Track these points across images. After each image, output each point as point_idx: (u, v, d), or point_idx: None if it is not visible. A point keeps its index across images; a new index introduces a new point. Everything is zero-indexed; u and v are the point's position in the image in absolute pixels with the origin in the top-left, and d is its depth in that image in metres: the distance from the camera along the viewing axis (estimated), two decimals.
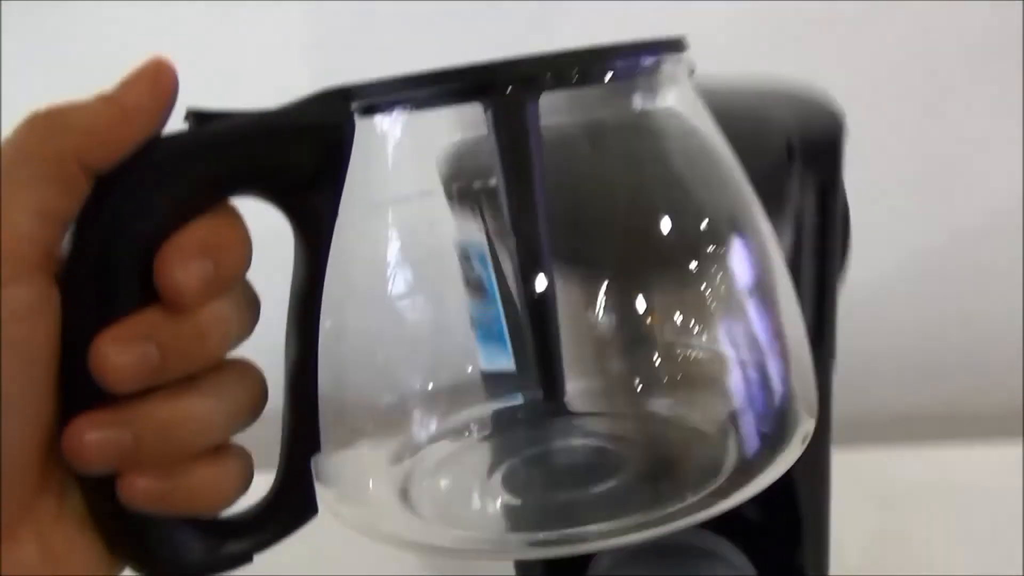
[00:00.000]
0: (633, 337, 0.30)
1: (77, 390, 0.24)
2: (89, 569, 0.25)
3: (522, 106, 0.26)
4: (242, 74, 0.55)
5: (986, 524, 0.52)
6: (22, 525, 0.24)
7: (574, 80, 0.26)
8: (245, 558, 0.27)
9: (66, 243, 0.24)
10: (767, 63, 0.52)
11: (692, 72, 0.30)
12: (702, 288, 0.29)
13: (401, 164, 0.28)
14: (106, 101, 0.24)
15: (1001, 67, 0.59)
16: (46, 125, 0.24)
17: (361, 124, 0.27)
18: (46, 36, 0.52)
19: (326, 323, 0.28)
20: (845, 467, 0.39)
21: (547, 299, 0.26)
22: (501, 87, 0.25)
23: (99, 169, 0.24)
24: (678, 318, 0.30)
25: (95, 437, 0.23)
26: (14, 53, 0.51)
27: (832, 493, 0.38)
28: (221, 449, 0.26)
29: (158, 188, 0.24)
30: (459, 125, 0.28)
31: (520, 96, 0.26)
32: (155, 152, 0.25)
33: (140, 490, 0.24)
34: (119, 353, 0.23)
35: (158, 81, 0.25)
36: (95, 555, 0.25)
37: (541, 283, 0.26)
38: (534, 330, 0.26)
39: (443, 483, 0.30)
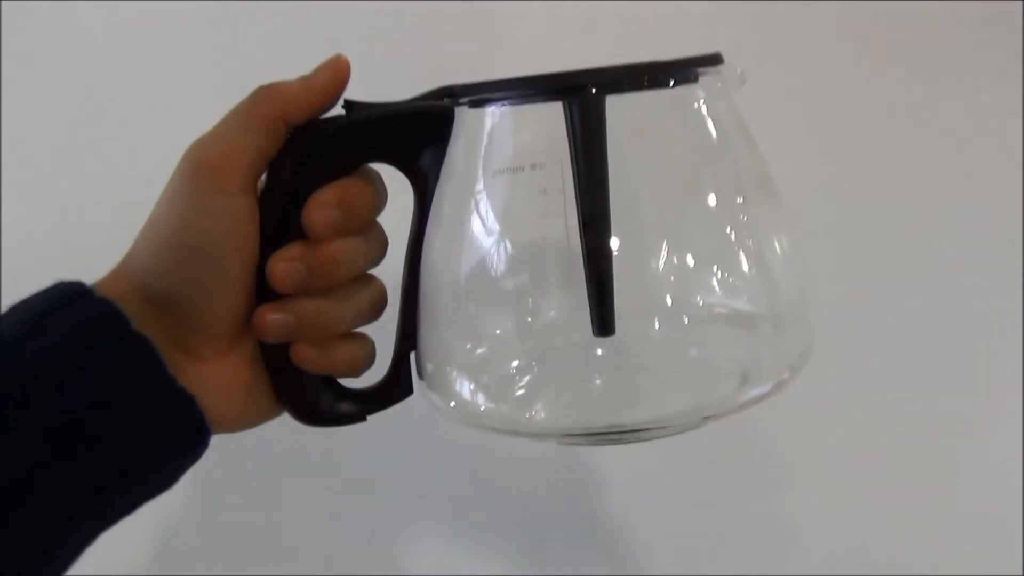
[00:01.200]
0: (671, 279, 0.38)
1: (264, 286, 0.34)
2: (258, 401, 0.36)
3: (599, 104, 0.34)
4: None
5: None
6: (228, 356, 0.35)
7: (643, 85, 0.34)
8: (359, 417, 0.37)
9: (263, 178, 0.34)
10: (766, 63, 0.57)
11: (743, 81, 0.37)
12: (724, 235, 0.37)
13: (489, 145, 0.36)
14: (302, 80, 0.35)
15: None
16: (263, 94, 0.34)
17: (461, 112, 0.36)
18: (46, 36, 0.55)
19: (428, 256, 0.37)
20: None
21: (607, 260, 0.35)
22: (585, 88, 0.33)
23: (294, 125, 0.34)
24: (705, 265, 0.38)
25: (272, 318, 0.34)
26: (14, 53, 0.54)
27: None
28: (355, 335, 0.37)
29: (321, 152, 0.35)
30: (539, 117, 0.36)
31: (599, 96, 0.34)
32: (323, 126, 0.34)
33: (305, 354, 0.35)
34: (281, 268, 0.34)
35: (336, 70, 0.35)
36: (264, 394, 0.36)
37: (604, 249, 0.35)
38: (596, 284, 0.35)
39: (509, 382, 0.39)
